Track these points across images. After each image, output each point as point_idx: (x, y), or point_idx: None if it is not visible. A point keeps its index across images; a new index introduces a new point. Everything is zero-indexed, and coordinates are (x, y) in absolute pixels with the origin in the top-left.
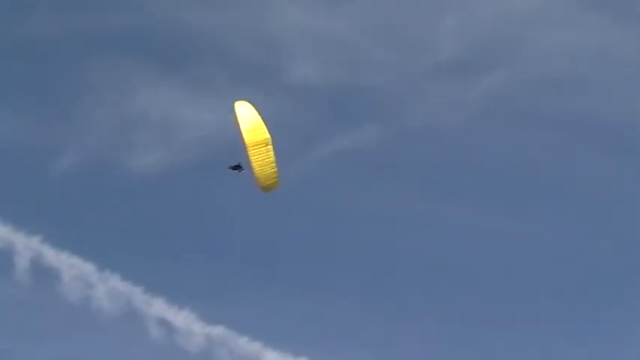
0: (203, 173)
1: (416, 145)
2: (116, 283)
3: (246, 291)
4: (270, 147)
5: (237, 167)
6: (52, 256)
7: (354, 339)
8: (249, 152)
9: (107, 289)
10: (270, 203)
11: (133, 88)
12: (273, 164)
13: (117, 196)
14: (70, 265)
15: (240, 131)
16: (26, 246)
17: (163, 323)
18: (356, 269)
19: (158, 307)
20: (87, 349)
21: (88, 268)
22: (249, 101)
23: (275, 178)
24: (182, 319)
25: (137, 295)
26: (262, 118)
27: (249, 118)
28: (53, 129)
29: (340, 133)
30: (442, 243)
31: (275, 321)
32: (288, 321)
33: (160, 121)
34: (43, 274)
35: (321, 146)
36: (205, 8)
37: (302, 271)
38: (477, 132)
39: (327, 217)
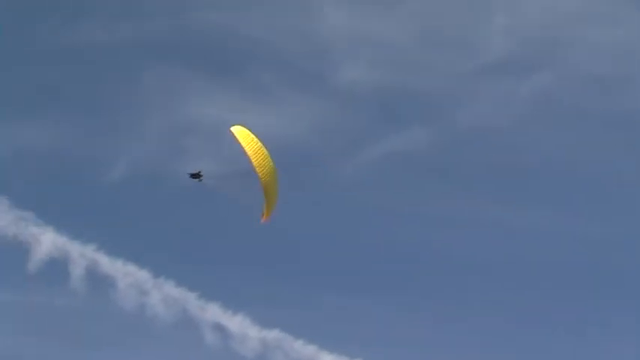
0: (255, 179)
1: (465, 145)
2: (171, 289)
3: (300, 294)
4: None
5: (197, 175)
6: (107, 264)
7: (408, 340)
8: (266, 183)
9: (162, 295)
10: (321, 206)
11: (184, 96)
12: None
13: (170, 203)
14: (124, 273)
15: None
16: (81, 254)
17: (218, 328)
18: (409, 271)
19: (213, 313)
20: (142, 356)
21: (143, 275)
22: (244, 125)
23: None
24: (237, 323)
25: (192, 300)
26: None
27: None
28: (106, 137)
29: (390, 135)
30: (492, 243)
31: (330, 323)
32: (343, 323)
33: (212, 128)
34: (99, 282)
35: (371, 148)
36: (255, 15)
37: (355, 273)
38: (526, 131)
39: (378, 219)
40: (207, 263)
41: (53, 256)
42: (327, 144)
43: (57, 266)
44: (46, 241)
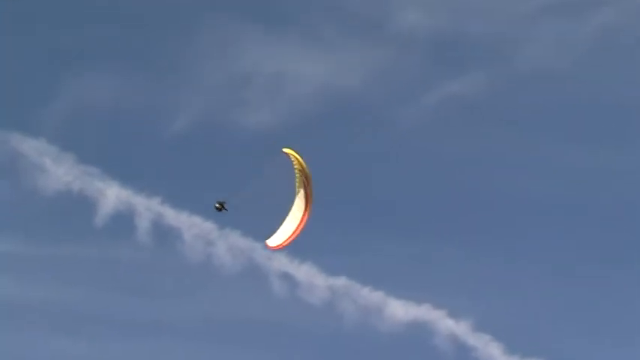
0: (315, 127)
1: (525, 88)
2: (237, 239)
3: (365, 241)
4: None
5: (221, 206)
6: (173, 216)
7: (475, 284)
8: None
9: (228, 246)
10: (381, 154)
11: (241, 46)
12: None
13: (232, 154)
14: (190, 225)
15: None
16: (147, 208)
17: (285, 277)
18: (473, 215)
19: (279, 262)
20: (210, 306)
21: (208, 226)
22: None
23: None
24: (303, 272)
25: (258, 250)
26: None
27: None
28: (166, 90)
29: (448, 81)
30: (555, 186)
31: (396, 269)
32: (408, 269)
33: (270, 78)
34: (164, 234)
35: (430, 94)
36: None
37: (419, 219)
38: (588, 72)
39: (439, 165)
40: (271, 213)
41: (119, 210)
42: (385, 91)
43: (123, 220)
44: (112, 195)
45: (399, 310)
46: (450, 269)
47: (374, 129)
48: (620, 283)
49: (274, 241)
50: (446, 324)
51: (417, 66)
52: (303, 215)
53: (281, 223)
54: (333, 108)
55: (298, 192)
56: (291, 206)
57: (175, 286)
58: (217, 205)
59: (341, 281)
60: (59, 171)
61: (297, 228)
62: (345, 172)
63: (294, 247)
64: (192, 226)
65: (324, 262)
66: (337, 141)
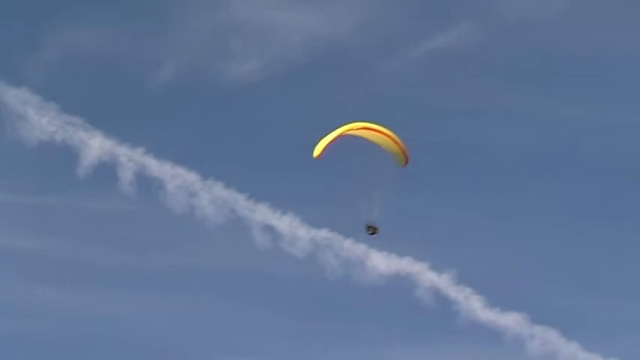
0: (302, 78)
1: (512, 39)
2: (220, 190)
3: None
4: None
5: (374, 230)
6: (156, 166)
7: (458, 238)
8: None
9: (211, 197)
10: (368, 105)
11: None
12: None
13: (217, 105)
14: (173, 175)
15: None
16: (130, 158)
17: (268, 229)
18: (455, 168)
19: (262, 213)
20: (193, 257)
21: (191, 177)
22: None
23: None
24: (286, 224)
25: (241, 201)
26: None
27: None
28: (152, 40)
29: (435, 32)
30: (543, 139)
31: (379, 222)
32: (392, 221)
33: (258, 28)
34: (148, 185)
35: (416, 46)
36: None
37: (405, 172)
38: (574, 20)
39: (426, 116)
40: (256, 164)
41: (102, 161)
42: (372, 42)
43: (106, 170)
44: (95, 145)
45: (381, 263)
46: (433, 222)
47: (361, 80)
48: (602, 238)
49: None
50: (428, 277)
51: (404, 17)
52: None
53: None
54: (320, 59)
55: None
56: None
57: (158, 237)
58: (370, 230)
59: (323, 233)
60: (42, 121)
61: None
62: (330, 122)
63: (278, 199)
64: (176, 177)
65: (307, 214)
66: (324, 92)
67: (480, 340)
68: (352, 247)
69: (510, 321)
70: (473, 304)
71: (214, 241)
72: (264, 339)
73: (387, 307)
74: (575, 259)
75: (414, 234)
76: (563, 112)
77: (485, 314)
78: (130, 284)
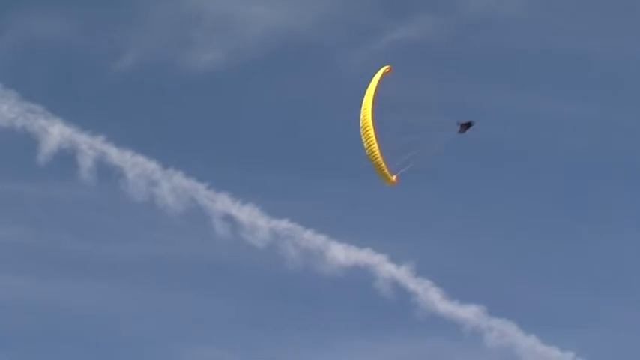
0: (263, 70)
1: (473, 33)
2: (180, 180)
3: (309, 184)
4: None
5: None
6: (116, 155)
7: (418, 230)
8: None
9: (171, 186)
10: (329, 98)
11: None
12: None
13: (177, 94)
14: (133, 164)
15: None
16: (90, 146)
17: (228, 219)
18: (415, 160)
19: (222, 203)
20: (153, 246)
21: (152, 166)
22: None
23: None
24: (246, 214)
25: (201, 191)
26: None
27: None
28: (113, 28)
29: (396, 25)
30: (505, 131)
31: (339, 213)
32: (353, 213)
33: (219, 19)
34: (108, 173)
35: (378, 39)
36: None
37: (364, 164)
38: (536, 17)
39: (388, 108)
40: (216, 154)
41: (62, 148)
42: (333, 35)
43: (66, 158)
44: (55, 133)
45: (341, 254)
46: (392, 214)
47: (323, 73)
48: (563, 232)
49: None
50: (387, 268)
51: (367, 10)
52: None
53: None
54: (282, 51)
55: None
56: None
57: (118, 225)
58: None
59: (283, 224)
60: (2, 108)
61: None
62: (292, 115)
63: (238, 189)
64: (136, 166)
65: (267, 205)
66: (285, 84)
67: (439, 332)
68: (312, 238)
69: (469, 313)
70: (431, 296)
71: (174, 230)
72: (223, 328)
73: (346, 298)
74: (534, 253)
75: (374, 226)
76: (524, 104)
77: (444, 306)
78: (89, 272)
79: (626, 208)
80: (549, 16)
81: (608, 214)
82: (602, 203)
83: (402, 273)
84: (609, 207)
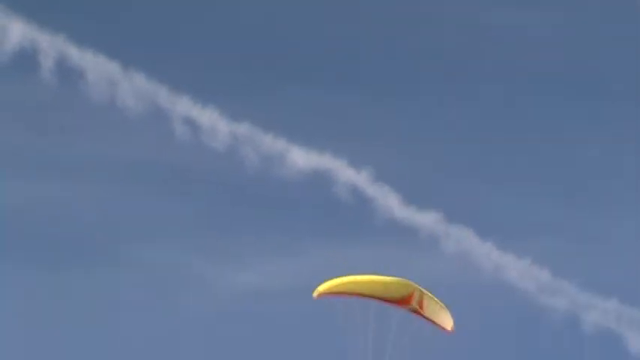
0: None
1: None
2: (141, 81)
3: (270, 87)
4: None
5: None
6: (77, 54)
7: (377, 136)
8: None
9: (132, 87)
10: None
11: None
12: None
13: None
14: (94, 64)
15: None
16: (51, 45)
17: (188, 121)
18: (376, 63)
19: (183, 105)
20: (113, 148)
21: (113, 66)
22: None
23: None
24: (207, 116)
25: (162, 93)
26: None
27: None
28: None
29: None
30: (459, 42)
31: (300, 117)
32: (313, 117)
33: None
34: (68, 73)
35: None
36: None
37: (325, 66)
38: None
39: (352, 10)
40: (178, 55)
41: (23, 47)
42: None
43: (26, 57)
44: (16, 30)
45: (300, 158)
46: (351, 119)
47: None
48: (518, 139)
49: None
50: (346, 173)
51: None
52: None
53: None
54: None
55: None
56: None
57: (78, 126)
58: None
59: (244, 127)
60: None
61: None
62: (254, 15)
63: (199, 91)
64: (97, 66)
65: (228, 107)
66: None
67: (396, 237)
68: (272, 142)
69: (426, 219)
70: (390, 202)
71: (134, 132)
72: (181, 230)
73: (305, 203)
74: (493, 159)
75: (334, 130)
76: (472, 14)
77: (402, 212)
78: (48, 172)
79: (587, 118)
80: None
81: (570, 123)
82: (565, 112)
83: (361, 178)
84: (571, 116)
